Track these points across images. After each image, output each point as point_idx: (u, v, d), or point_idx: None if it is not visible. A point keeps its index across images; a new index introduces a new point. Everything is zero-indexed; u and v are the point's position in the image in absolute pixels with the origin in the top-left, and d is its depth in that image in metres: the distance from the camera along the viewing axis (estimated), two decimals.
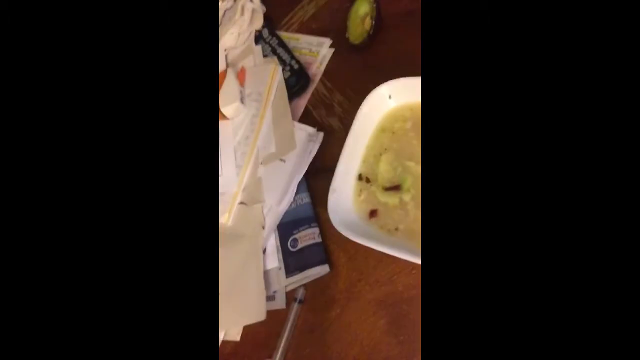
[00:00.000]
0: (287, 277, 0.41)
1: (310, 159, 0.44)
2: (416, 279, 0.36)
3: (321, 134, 0.45)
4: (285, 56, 0.51)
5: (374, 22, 0.46)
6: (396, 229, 0.36)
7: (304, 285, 0.41)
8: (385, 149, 0.39)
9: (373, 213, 0.37)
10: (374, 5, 0.47)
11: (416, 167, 0.36)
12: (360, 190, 0.39)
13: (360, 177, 0.39)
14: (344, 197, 0.38)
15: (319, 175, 0.45)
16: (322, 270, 0.40)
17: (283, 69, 0.50)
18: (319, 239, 0.41)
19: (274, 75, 0.49)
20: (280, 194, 0.43)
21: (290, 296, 0.41)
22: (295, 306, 0.40)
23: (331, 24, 0.54)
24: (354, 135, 0.39)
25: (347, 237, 0.36)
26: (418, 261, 0.32)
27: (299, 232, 0.42)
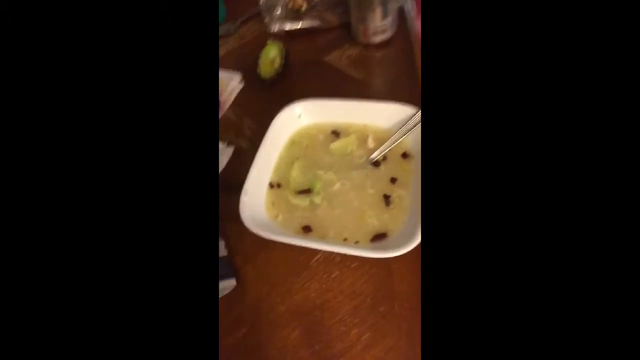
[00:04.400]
0: None
1: (219, 171, 0.42)
2: (328, 282, 0.36)
3: (231, 148, 0.44)
4: None
5: (283, 62, 0.52)
6: (309, 229, 0.36)
7: None
8: (298, 158, 0.41)
9: (307, 229, 0.36)
10: (283, 50, 0.53)
11: (325, 175, 0.39)
12: (273, 203, 0.38)
13: (271, 185, 0.39)
14: (255, 200, 0.37)
15: (227, 192, 0.43)
16: (227, 285, 0.36)
17: None
18: (224, 252, 0.38)
19: None
20: None
21: None
22: None
23: (241, 65, 0.58)
24: (266, 145, 0.40)
25: (261, 235, 0.34)
26: (336, 250, 0.33)
27: None
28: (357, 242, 0.34)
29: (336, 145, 0.41)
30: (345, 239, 0.35)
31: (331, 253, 0.36)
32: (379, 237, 0.34)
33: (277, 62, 0.53)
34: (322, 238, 0.35)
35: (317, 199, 0.37)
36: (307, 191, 0.38)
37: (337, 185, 0.38)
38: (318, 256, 0.37)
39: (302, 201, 0.37)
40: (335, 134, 0.42)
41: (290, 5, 0.61)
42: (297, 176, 0.39)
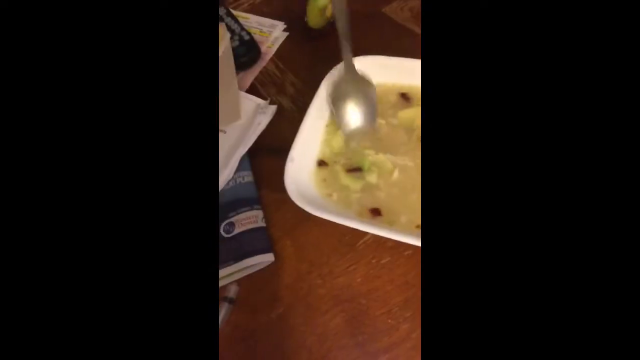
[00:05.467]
0: None
1: (258, 132, 0.38)
2: (377, 268, 0.32)
3: (273, 107, 0.39)
4: (235, 26, 0.46)
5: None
6: (378, 212, 0.31)
7: (237, 281, 0.32)
8: None
9: (375, 212, 0.31)
10: None
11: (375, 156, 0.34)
12: (324, 179, 0.34)
13: (320, 163, 0.34)
14: (301, 170, 0.33)
15: (264, 154, 0.39)
16: (264, 259, 0.32)
17: (231, 38, 0.44)
18: (262, 223, 0.34)
19: (220, 39, 0.42)
20: None
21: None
22: (224, 307, 0.31)
23: (284, 11, 0.51)
24: (315, 107, 0.35)
25: (305, 209, 0.30)
26: (389, 235, 0.28)
27: (237, 214, 0.34)
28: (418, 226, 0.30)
29: (404, 114, 0.34)
30: (418, 226, 0.30)
31: (382, 236, 0.32)
32: None
33: (329, 12, 0.46)
34: (391, 224, 0.30)
35: (372, 178, 0.32)
36: (357, 169, 0.33)
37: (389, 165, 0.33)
38: (367, 237, 0.33)
39: (353, 183, 0.32)
40: (405, 98, 0.36)
41: None
42: (338, 146, 0.34)
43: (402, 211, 0.31)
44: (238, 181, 0.36)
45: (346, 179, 0.33)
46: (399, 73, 0.36)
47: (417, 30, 0.46)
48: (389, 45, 0.45)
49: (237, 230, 0.33)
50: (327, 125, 0.36)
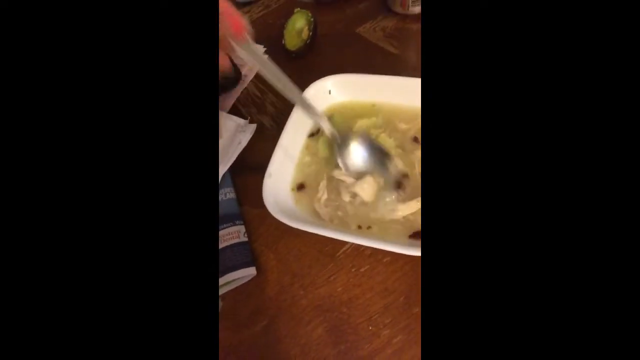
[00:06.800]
0: None
1: (239, 151, 0.39)
2: (357, 276, 0.33)
3: (253, 126, 0.41)
4: None
5: (311, 33, 0.48)
6: (337, 218, 0.33)
7: (221, 295, 0.33)
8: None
9: (301, 187, 0.33)
10: (312, 20, 0.49)
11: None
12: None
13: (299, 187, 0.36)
14: (280, 184, 0.34)
15: (246, 171, 0.40)
16: (246, 273, 0.33)
17: None
18: (244, 238, 0.35)
19: None
20: None
21: None
22: None
23: (265, 35, 0.54)
24: (292, 123, 0.37)
25: (282, 221, 0.31)
26: (367, 243, 0.29)
27: (219, 230, 0.35)
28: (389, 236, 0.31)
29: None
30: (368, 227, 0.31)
31: (360, 245, 0.33)
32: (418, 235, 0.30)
33: (305, 33, 0.48)
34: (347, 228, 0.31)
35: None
36: None
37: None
38: (346, 247, 0.34)
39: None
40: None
41: None
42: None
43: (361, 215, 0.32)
44: (221, 198, 0.37)
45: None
46: (371, 89, 0.38)
47: (389, 48, 0.48)
48: (362, 63, 0.47)
49: (220, 246, 0.34)
50: (300, 151, 0.38)
